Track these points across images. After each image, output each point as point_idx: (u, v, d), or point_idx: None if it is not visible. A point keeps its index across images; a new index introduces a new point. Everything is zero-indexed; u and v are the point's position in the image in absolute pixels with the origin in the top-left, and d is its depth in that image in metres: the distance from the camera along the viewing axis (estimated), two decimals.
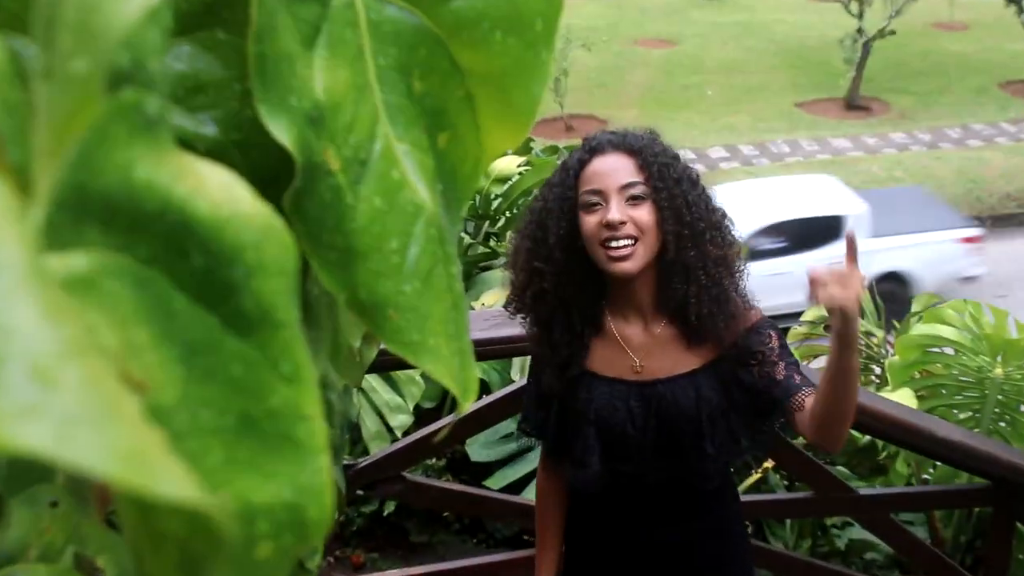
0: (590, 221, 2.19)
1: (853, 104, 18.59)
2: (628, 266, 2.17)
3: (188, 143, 0.51)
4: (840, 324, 1.97)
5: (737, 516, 2.50)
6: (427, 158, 0.53)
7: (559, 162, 2.33)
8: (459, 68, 0.54)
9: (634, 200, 2.18)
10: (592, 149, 2.24)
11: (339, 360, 0.68)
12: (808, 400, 2.21)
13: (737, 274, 2.27)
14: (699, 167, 15.96)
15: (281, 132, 0.46)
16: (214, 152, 0.51)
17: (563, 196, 2.23)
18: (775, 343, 2.29)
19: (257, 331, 0.34)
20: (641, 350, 2.31)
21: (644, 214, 2.17)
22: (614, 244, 2.17)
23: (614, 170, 2.19)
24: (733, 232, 2.29)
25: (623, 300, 2.31)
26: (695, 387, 2.27)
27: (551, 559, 2.52)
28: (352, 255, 0.49)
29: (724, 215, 2.29)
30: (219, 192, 0.34)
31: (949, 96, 19.21)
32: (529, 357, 2.55)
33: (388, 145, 0.51)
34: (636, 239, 2.17)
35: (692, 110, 18.72)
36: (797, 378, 2.25)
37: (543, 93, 0.55)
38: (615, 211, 2.16)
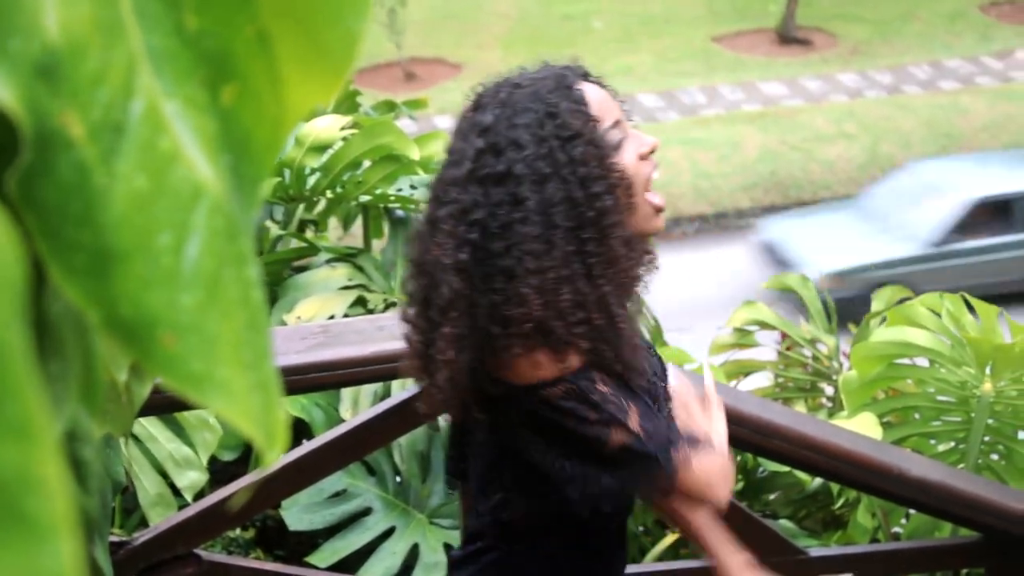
0: (629, 161, 2.26)
1: (788, 36, 18.90)
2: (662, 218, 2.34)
3: None
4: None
5: None
6: (207, 120, 0.52)
7: (552, 121, 2.24)
8: None
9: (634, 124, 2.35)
10: (572, 84, 2.28)
11: (95, 401, 0.66)
12: None
13: None
14: None
15: (0, 88, 0.45)
16: None
17: (602, 138, 2.24)
18: None
19: None
20: None
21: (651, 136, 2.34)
22: (655, 176, 2.32)
23: (608, 96, 2.31)
24: None
25: None
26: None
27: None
28: (107, 257, 0.48)
29: None
30: None
31: (915, 23, 19.65)
32: (363, 388, 2.56)
33: (152, 103, 0.50)
34: None
35: (576, 48, 18.85)
36: None
37: (365, 28, 0.55)
38: (646, 136, 2.30)
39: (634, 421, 2.22)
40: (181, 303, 0.50)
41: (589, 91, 2.26)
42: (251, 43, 0.54)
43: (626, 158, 2.25)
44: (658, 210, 2.30)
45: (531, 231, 2.13)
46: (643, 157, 2.27)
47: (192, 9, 0.52)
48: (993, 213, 12.96)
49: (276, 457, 0.52)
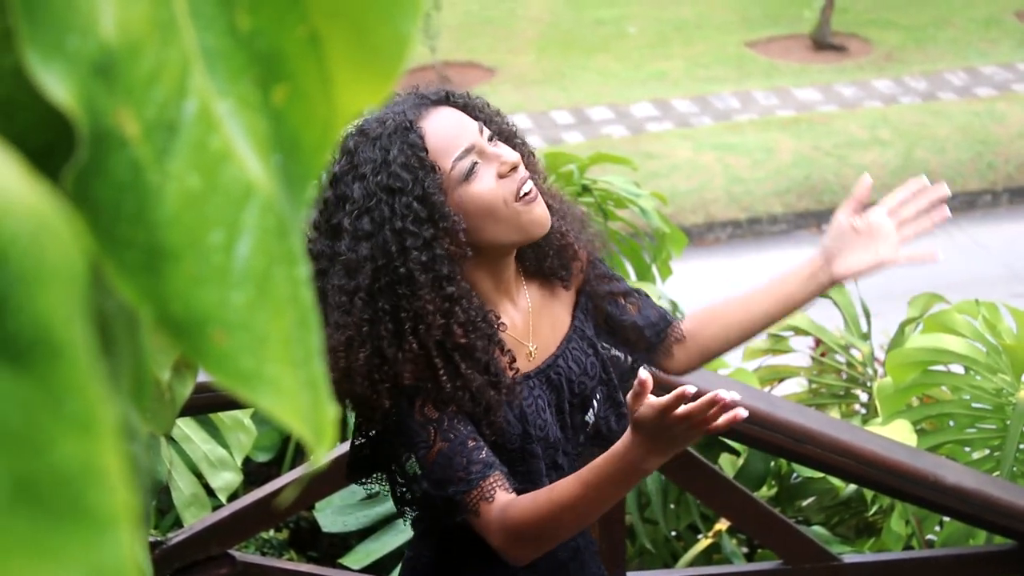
0: (485, 186, 2.26)
1: (823, 43, 18.85)
2: (544, 209, 2.32)
3: None
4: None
5: None
6: (259, 120, 0.52)
7: (364, 166, 2.25)
8: None
9: (493, 140, 2.33)
10: (412, 122, 2.25)
11: (144, 399, 0.67)
12: (682, 328, 2.64)
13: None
14: (620, 128, 16.06)
15: (57, 86, 0.46)
16: None
17: (435, 186, 2.22)
18: (608, 269, 2.63)
19: (31, 360, 0.33)
20: (526, 332, 2.47)
21: (510, 149, 2.34)
22: (525, 190, 2.29)
23: (458, 122, 2.30)
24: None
25: (496, 283, 2.43)
26: (584, 341, 2.54)
27: None
28: (160, 255, 0.48)
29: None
30: None
31: (950, 30, 19.57)
32: None
33: (205, 103, 0.50)
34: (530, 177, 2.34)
35: (609, 54, 18.84)
36: (655, 312, 2.65)
37: (416, 30, 0.55)
38: (506, 152, 2.30)
39: (431, 455, 2.25)
40: (232, 301, 0.50)
41: (434, 125, 2.26)
42: (302, 44, 0.54)
43: (478, 186, 2.26)
44: (529, 209, 2.29)
45: (339, 285, 2.19)
46: (503, 175, 2.27)
47: (245, 9, 0.52)
48: None
49: (325, 454, 0.52)
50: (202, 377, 0.96)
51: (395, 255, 2.18)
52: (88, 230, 0.46)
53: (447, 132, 2.26)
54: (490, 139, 2.31)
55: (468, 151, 2.25)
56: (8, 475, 0.33)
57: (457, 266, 2.25)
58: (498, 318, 2.37)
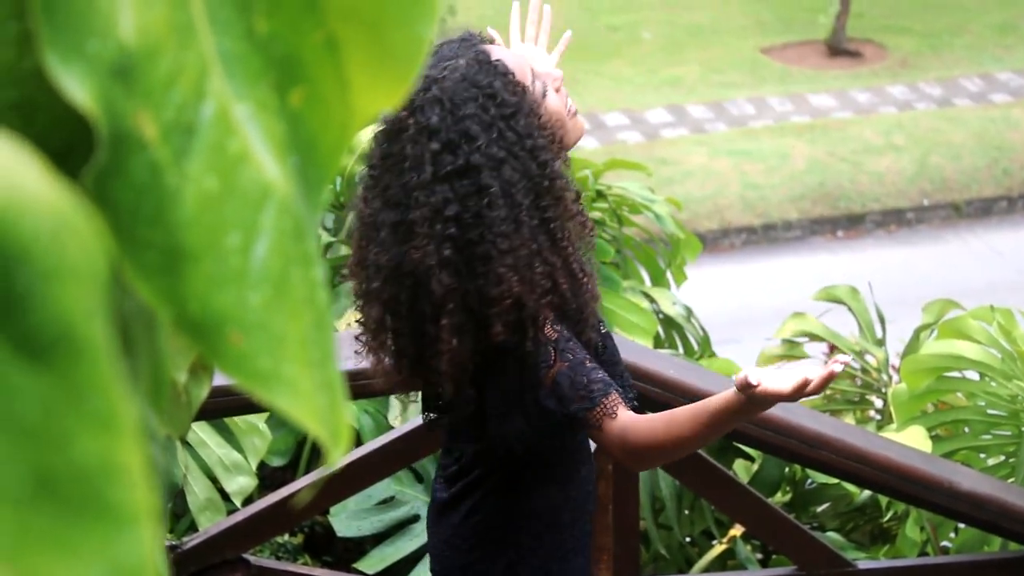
0: (553, 100, 2.48)
1: (838, 48, 18.82)
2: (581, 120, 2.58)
3: None
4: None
5: None
6: (276, 122, 0.53)
7: (467, 92, 2.37)
8: (317, 1, 0.54)
9: None
10: (488, 58, 2.40)
11: (161, 400, 0.67)
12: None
13: None
14: (635, 134, 16.04)
15: (77, 88, 0.46)
16: None
17: (528, 105, 2.40)
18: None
19: (53, 357, 0.34)
20: None
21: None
22: (571, 102, 2.53)
23: (512, 51, 2.54)
24: None
25: None
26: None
27: None
28: (178, 256, 0.49)
29: None
30: None
31: (965, 36, 19.53)
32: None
33: (223, 106, 0.51)
34: None
35: (624, 60, 18.82)
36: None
37: (432, 33, 0.55)
38: (554, 70, 2.54)
39: (557, 368, 2.36)
40: (249, 302, 0.50)
41: (503, 56, 2.41)
42: (319, 47, 0.54)
43: (551, 102, 2.45)
44: (574, 114, 2.52)
45: (499, 214, 2.28)
46: (557, 90, 2.47)
47: (263, 13, 0.52)
48: None
49: (341, 455, 0.52)
50: (217, 381, 0.96)
51: (535, 170, 2.34)
52: (107, 231, 0.47)
53: (514, 59, 2.43)
54: None
55: (533, 75, 2.44)
56: (30, 470, 0.33)
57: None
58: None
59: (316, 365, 0.52)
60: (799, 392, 2.18)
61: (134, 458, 0.35)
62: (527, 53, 2.63)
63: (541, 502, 2.64)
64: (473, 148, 2.29)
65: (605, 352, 2.58)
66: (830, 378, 2.21)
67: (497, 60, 2.37)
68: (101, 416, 0.35)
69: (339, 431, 0.53)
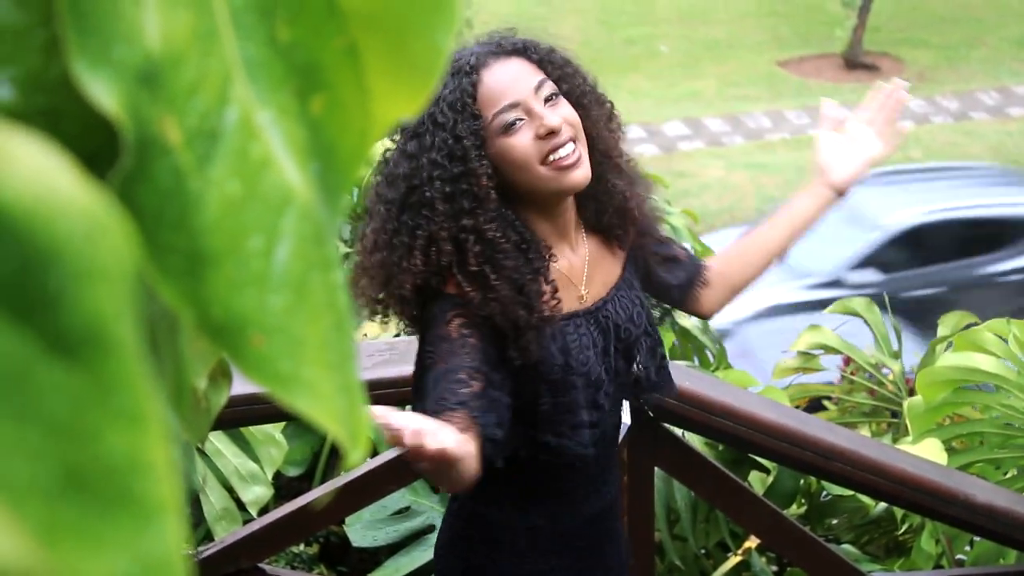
0: (520, 142, 2.39)
1: (855, 62, 18.81)
2: (582, 173, 2.44)
3: None
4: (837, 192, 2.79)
5: None
6: (298, 129, 0.53)
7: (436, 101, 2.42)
8: (338, 9, 0.54)
9: (551, 100, 2.43)
10: (474, 67, 2.40)
11: (183, 404, 0.67)
12: (708, 273, 2.84)
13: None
14: (652, 147, 16.00)
15: (103, 94, 0.46)
16: (11, 123, 0.51)
17: (470, 131, 2.37)
18: (661, 232, 2.82)
19: (83, 354, 0.34)
20: (580, 276, 2.60)
21: (569, 111, 2.44)
22: (562, 153, 2.40)
23: (516, 76, 2.42)
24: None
25: (552, 226, 2.56)
26: (632, 292, 2.70)
27: None
28: (201, 259, 0.49)
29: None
30: (29, 171, 0.35)
31: (982, 49, 19.50)
32: None
33: (246, 112, 0.51)
34: (575, 140, 2.43)
35: (640, 73, 18.83)
36: (684, 253, 2.88)
37: (452, 42, 0.56)
38: (549, 116, 2.39)
39: (428, 367, 2.36)
40: (270, 305, 0.51)
41: (492, 75, 2.40)
42: (340, 55, 0.55)
43: (515, 140, 2.38)
44: (562, 171, 2.40)
45: (379, 193, 2.44)
46: (540, 137, 2.38)
47: (285, 21, 0.53)
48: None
49: (360, 458, 0.53)
50: (235, 390, 0.96)
51: (424, 181, 2.35)
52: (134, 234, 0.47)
53: (499, 84, 2.39)
54: (548, 98, 2.41)
55: (513, 106, 2.38)
56: (60, 465, 0.34)
57: (481, 203, 2.36)
58: (550, 250, 2.51)
59: (336, 368, 0.53)
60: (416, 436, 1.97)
61: (160, 454, 0.36)
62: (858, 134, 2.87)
63: (498, 515, 2.68)
64: (402, 133, 2.42)
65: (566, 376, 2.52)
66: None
67: (477, 75, 2.40)
68: (129, 412, 0.35)
69: (358, 433, 0.53)
